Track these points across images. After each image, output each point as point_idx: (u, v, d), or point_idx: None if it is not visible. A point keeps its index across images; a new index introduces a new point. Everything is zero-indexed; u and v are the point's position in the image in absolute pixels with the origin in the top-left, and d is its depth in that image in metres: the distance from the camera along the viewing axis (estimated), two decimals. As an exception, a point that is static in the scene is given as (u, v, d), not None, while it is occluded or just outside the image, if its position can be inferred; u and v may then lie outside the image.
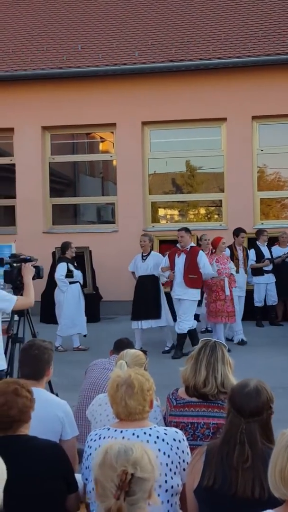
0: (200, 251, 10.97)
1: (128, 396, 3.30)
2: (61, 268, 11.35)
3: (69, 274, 11.40)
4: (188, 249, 10.78)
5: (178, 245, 11.04)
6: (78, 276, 11.65)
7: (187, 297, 10.74)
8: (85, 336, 11.52)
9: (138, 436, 3.27)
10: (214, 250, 11.51)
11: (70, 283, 11.39)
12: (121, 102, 14.78)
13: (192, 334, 10.70)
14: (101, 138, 16.77)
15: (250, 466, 2.95)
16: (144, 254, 11.23)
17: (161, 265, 10.97)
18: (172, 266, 10.79)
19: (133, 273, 11.52)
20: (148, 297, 11.13)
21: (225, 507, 2.98)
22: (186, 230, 10.99)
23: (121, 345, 5.41)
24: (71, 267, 11.54)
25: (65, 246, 11.69)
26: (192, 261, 10.68)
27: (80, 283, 11.76)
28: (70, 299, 11.41)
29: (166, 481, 3.22)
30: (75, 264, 11.83)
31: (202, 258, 10.69)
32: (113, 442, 2.53)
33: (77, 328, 11.45)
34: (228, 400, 3.17)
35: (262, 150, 14.76)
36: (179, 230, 11.07)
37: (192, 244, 11.19)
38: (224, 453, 3.02)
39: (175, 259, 10.81)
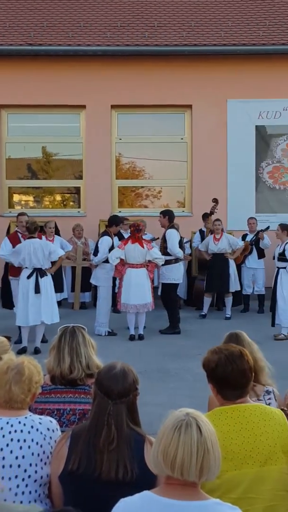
0: None
1: (14, 382, 3.28)
2: None
3: None
4: None
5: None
6: None
7: None
8: None
9: (12, 425, 3.25)
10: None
11: None
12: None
13: None
14: None
15: (115, 448, 3.00)
16: None
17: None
18: None
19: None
20: None
21: (89, 490, 3.00)
22: None
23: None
24: None
25: None
26: None
27: None
28: None
29: (36, 472, 3.20)
30: None
31: None
32: None
33: None
34: (95, 383, 3.19)
35: (120, 139, 14.93)
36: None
37: None
38: (92, 436, 3.05)
39: None
